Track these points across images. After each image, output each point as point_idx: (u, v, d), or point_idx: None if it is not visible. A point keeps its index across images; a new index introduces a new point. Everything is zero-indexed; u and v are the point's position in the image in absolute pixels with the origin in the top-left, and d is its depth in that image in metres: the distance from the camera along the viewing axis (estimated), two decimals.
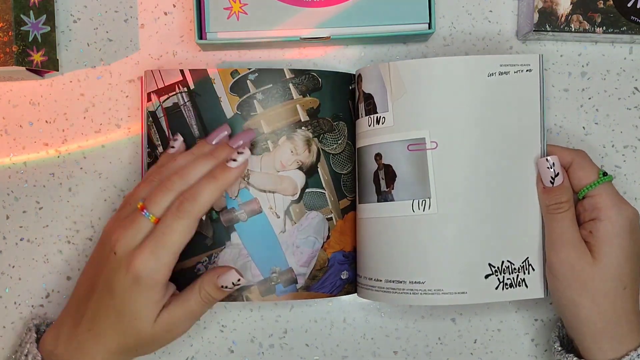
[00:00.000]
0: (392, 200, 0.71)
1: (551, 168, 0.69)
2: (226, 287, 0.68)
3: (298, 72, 0.75)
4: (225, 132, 0.72)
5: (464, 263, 0.70)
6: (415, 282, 0.70)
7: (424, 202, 0.70)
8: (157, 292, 0.66)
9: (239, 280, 0.68)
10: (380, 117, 0.72)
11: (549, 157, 0.69)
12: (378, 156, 0.72)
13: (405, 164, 0.70)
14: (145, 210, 0.66)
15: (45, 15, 0.76)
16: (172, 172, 0.68)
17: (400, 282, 0.71)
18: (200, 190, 0.66)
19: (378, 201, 0.72)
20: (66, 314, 0.70)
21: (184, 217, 0.65)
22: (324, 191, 0.75)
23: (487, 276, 0.70)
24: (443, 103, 0.70)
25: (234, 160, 0.68)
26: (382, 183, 0.72)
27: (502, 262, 0.70)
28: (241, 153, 0.68)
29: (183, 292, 0.69)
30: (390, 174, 0.71)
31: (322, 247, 0.75)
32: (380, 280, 0.72)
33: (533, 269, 0.71)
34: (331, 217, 0.75)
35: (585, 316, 0.68)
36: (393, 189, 0.71)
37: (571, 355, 0.70)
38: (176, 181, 0.67)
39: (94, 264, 0.69)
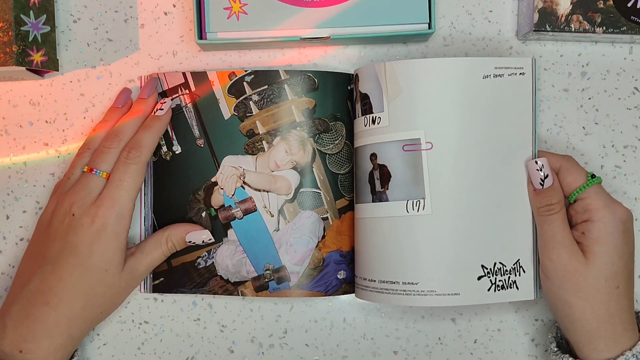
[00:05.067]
0: (387, 200, 0.71)
1: (540, 170, 0.69)
2: (194, 243, 0.75)
3: (294, 73, 0.75)
4: (156, 84, 0.76)
5: (457, 264, 0.70)
6: (409, 283, 0.70)
7: (418, 202, 0.70)
8: (122, 239, 0.70)
9: (209, 239, 0.75)
10: (375, 117, 0.72)
11: (537, 160, 0.70)
12: (373, 156, 0.72)
13: (400, 164, 0.70)
14: (95, 170, 0.71)
15: (45, 15, 0.76)
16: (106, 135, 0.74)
17: (394, 282, 0.71)
18: (141, 138, 0.72)
19: (373, 201, 0.72)
20: (11, 302, 0.70)
21: (134, 163, 0.71)
22: (319, 191, 0.75)
23: (479, 278, 0.70)
24: (438, 104, 0.70)
25: (161, 109, 0.74)
26: (377, 183, 0.72)
27: (495, 263, 0.70)
28: (165, 102, 0.75)
29: (145, 242, 0.74)
30: (385, 174, 0.71)
31: (317, 247, 0.75)
32: (375, 281, 0.72)
33: (524, 271, 0.71)
34: (327, 217, 0.75)
35: (579, 316, 0.68)
36: (388, 189, 0.71)
37: (566, 355, 0.70)
38: (114, 139, 0.72)
39: (38, 243, 0.72)
